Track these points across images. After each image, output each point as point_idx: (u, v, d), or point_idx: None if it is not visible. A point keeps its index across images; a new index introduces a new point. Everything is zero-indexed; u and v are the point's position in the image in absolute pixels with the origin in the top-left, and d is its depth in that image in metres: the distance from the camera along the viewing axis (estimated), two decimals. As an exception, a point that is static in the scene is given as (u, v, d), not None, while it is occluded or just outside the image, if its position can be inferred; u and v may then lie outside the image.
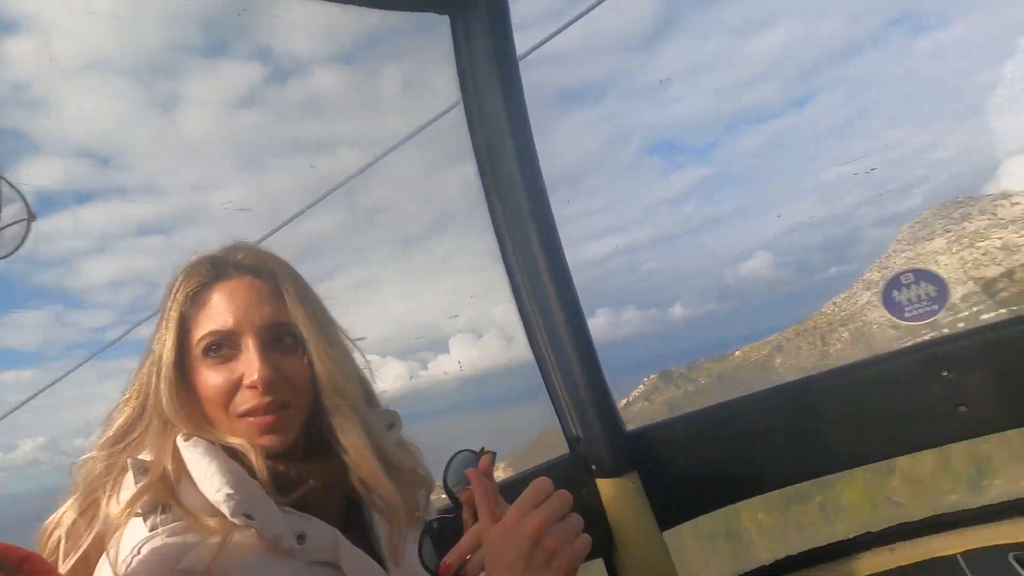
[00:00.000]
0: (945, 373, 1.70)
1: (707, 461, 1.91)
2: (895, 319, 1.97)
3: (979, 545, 1.65)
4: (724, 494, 1.93)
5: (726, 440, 1.91)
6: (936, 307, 1.91)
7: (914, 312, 1.95)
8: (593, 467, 1.84)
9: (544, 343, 1.87)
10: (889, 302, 2.00)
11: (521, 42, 1.83)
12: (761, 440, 1.88)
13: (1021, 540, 1.59)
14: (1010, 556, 1.54)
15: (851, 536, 1.86)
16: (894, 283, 2.00)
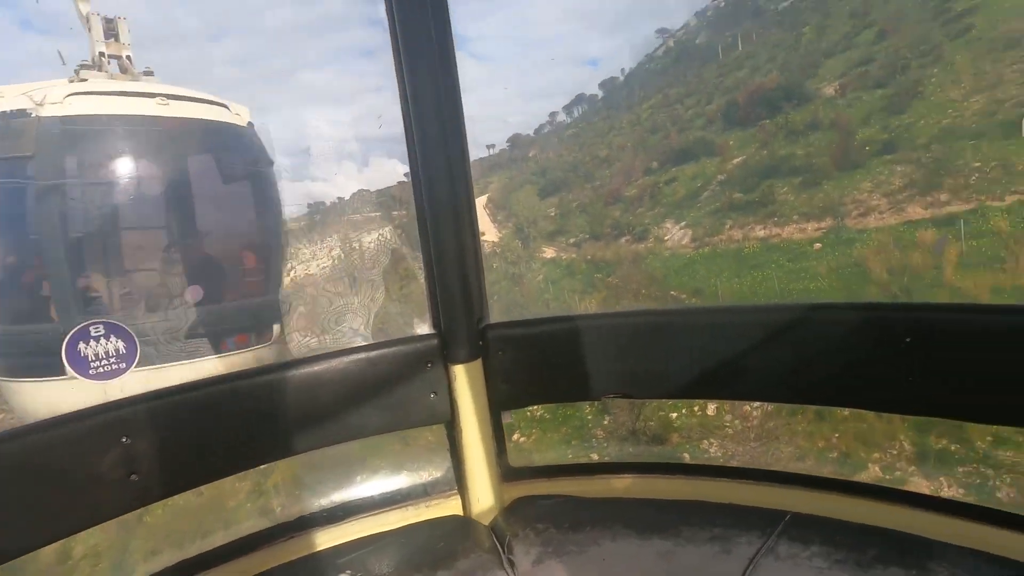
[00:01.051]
0: (125, 439, 1.65)
1: None
2: (79, 376, 1.75)
3: None
4: None
5: None
6: (124, 365, 1.84)
7: (100, 369, 1.80)
8: None
9: None
10: (72, 355, 1.77)
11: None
12: None
13: None
14: None
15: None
16: (82, 334, 1.79)
